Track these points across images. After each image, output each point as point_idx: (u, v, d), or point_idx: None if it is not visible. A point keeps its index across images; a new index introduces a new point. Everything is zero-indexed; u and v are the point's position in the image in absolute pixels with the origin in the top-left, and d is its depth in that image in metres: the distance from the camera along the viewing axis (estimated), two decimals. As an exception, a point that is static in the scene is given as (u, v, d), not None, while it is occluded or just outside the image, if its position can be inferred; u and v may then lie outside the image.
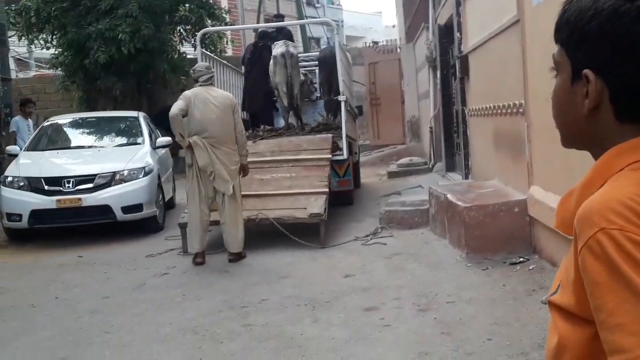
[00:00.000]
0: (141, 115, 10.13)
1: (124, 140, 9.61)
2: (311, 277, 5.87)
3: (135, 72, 15.83)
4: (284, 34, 10.36)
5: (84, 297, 5.69)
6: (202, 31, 10.13)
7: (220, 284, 5.82)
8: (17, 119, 11.04)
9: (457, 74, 9.01)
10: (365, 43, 22.19)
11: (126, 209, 8.09)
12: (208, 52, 10.59)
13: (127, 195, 8.13)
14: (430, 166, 12.03)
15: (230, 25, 19.21)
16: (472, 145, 8.66)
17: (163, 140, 9.42)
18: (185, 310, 5.08)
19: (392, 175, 12.33)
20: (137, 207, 8.16)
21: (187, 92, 6.58)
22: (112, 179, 8.15)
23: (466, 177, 8.90)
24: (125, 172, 8.25)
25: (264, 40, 10.52)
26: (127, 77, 15.56)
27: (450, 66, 10.22)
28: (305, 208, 7.13)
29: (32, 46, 18.34)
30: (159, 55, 15.69)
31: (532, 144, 5.76)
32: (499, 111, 6.82)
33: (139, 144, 9.27)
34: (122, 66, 15.21)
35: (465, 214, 5.92)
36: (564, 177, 4.95)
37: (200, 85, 6.51)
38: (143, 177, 8.32)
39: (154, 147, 9.24)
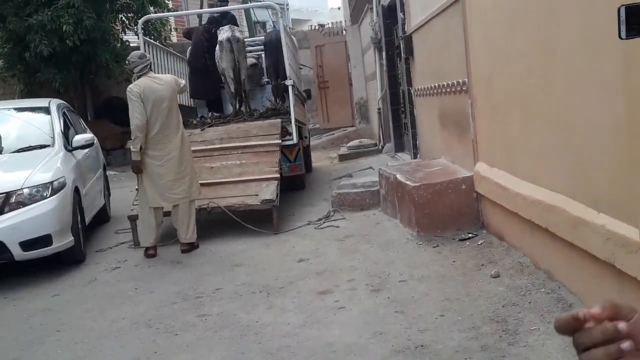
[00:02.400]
0: (54, 105, 7.63)
1: (26, 142, 7.00)
2: (265, 263, 5.87)
3: (78, 63, 15.45)
4: (229, 19, 10.24)
5: (34, 295, 5.56)
6: (143, 18, 9.93)
7: (174, 275, 5.77)
8: None
9: (402, 54, 9.07)
10: (311, 26, 22.12)
11: (27, 244, 5.82)
12: (151, 40, 10.40)
13: (28, 224, 5.82)
14: (380, 147, 12.14)
15: (173, 11, 18.90)
16: (419, 125, 8.76)
17: (82, 138, 7.26)
18: (138, 304, 5.02)
19: (342, 158, 12.40)
20: (44, 240, 5.89)
21: (133, 88, 6.28)
22: (4, 204, 5.84)
23: (415, 157, 9.00)
24: (25, 192, 5.91)
25: (213, 25, 10.39)
26: (69, 68, 15.17)
27: (395, 47, 10.29)
28: (257, 195, 7.11)
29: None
30: (102, 45, 15.33)
31: (476, 121, 5.86)
32: (443, 90, 6.91)
33: (48, 146, 6.89)
34: (64, 57, 14.82)
35: (414, 193, 6.00)
36: (507, 152, 5.07)
37: (140, 76, 6.36)
38: (51, 196, 5.96)
39: (70, 149, 7.03)
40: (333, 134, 16.19)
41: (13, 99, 15.62)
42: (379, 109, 12.21)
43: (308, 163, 11.06)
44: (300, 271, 5.49)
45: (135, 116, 6.19)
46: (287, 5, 37.74)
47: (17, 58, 15.13)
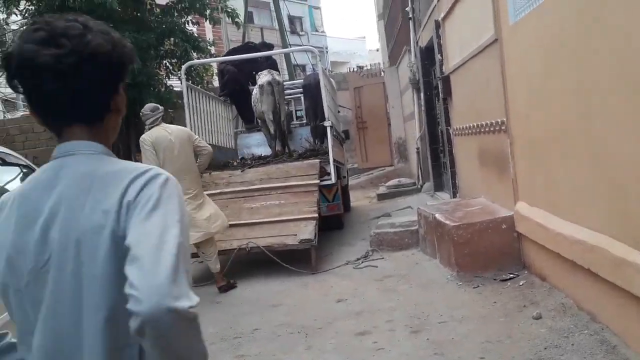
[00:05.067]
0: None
1: None
2: (303, 303, 5.87)
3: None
4: (269, 63, 10.49)
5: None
6: (186, 64, 10.23)
7: (212, 315, 5.80)
8: None
9: (440, 94, 9.11)
10: (350, 68, 22.40)
11: None
12: (193, 85, 10.65)
13: None
14: (419, 186, 12.10)
15: (216, 57, 19.38)
16: (458, 164, 8.74)
17: None
18: (178, 343, 5.05)
19: (381, 197, 12.39)
20: None
21: (146, 138, 6.58)
22: None
23: (454, 196, 8.95)
24: None
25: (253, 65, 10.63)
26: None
27: (433, 87, 10.35)
28: (296, 234, 7.16)
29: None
30: (147, 89, 15.77)
31: (515, 161, 5.83)
32: (482, 129, 6.90)
33: None
34: (109, 101, 15.26)
35: (453, 232, 5.96)
36: (547, 192, 5.01)
37: (151, 127, 6.64)
38: None
39: None
40: (372, 173, 16.23)
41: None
42: (417, 148, 12.22)
43: (346, 202, 11.09)
44: (338, 312, 5.47)
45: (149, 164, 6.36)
46: (326, 48, 38.41)
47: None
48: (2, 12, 15.56)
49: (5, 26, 18.34)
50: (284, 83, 10.89)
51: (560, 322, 4.41)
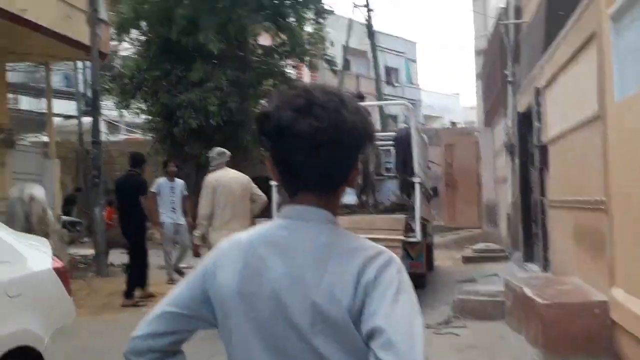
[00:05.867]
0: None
1: None
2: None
3: (220, 141, 16.38)
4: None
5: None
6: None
7: None
8: (161, 180, 10.12)
9: (536, 163, 8.89)
10: (443, 124, 22.30)
11: None
12: None
13: None
14: (508, 254, 11.75)
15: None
16: (551, 237, 8.43)
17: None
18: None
19: (467, 260, 12.09)
20: None
21: (210, 179, 6.97)
22: None
23: (544, 270, 8.63)
24: None
25: None
26: (211, 147, 16.11)
27: (529, 154, 10.10)
28: (376, 290, 7.04)
29: (123, 111, 19.32)
30: (243, 126, 16.24)
31: (613, 243, 5.55)
32: (579, 205, 6.65)
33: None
34: (208, 136, 15.79)
35: (543, 311, 5.71)
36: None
37: (215, 170, 7.04)
38: None
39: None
40: (458, 233, 15.90)
41: (157, 170, 16.82)
42: (508, 214, 11.91)
43: (430, 261, 10.88)
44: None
45: (203, 205, 6.92)
46: (420, 101, 38.44)
47: (166, 133, 16.29)
48: (115, 40, 16.50)
49: (116, 53, 19.48)
50: (382, 134, 10.92)
51: None
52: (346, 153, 1.37)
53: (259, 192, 7.27)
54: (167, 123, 16.01)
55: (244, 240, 1.43)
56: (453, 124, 35.28)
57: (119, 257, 12.26)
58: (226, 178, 7.01)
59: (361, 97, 11.53)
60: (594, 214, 6.16)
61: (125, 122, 23.95)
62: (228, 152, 7.36)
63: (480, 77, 18.11)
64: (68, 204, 14.82)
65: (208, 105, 15.14)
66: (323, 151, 1.33)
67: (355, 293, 1.30)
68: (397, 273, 1.33)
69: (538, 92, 8.72)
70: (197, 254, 7.20)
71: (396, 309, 1.27)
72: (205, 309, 1.43)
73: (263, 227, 1.45)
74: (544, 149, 8.47)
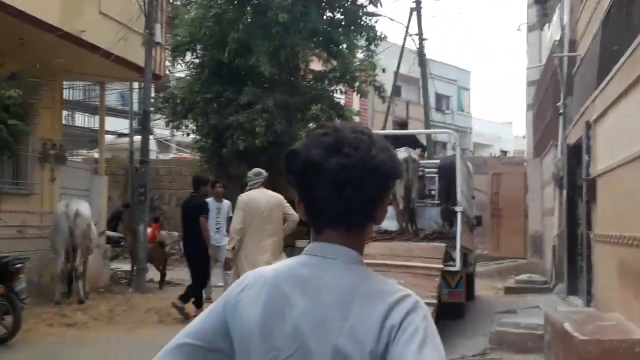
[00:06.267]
0: None
1: None
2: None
3: (265, 162, 16.53)
4: (408, 141, 10.50)
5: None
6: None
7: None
8: (209, 200, 10.03)
9: (584, 196, 8.69)
10: (491, 153, 22.02)
11: None
12: None
13: None
14: (551, 286, 11.46)
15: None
16: (595, 272, 8.20)
17: None
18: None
19: (509, 290, 11.84)
20: None
21: (243, 197, 7.39)
22: None
23: (587, 304, 8.37)
24: None
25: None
26: (257, 166, 16.28)
27: (577, 187, 9.88)
28: (411, 319, 6.95)
29: (174, 130, 19.76)
30: (287, 149, 16.35)
31: (659, 281, 5.36)
32: (625, 241, 6.46)
33: None
34: (253, 157, 15.96)
35: (581, 347, 5.53)
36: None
37: (250, 189, 7.43)
38: None
39: None
40: (502, 263, 15.60)
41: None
42: (554, 246, 11.63)
43: (471, 291, 10.70)
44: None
45: (236, 220, 7.34)
46: (470, 129, 38.08)
47: (214, 153, 16.55)
48: (169, 62, 16.94)
49: (170, 74, 19.95)
50: (421, 161, 10.86)
51: None
52: (373, 191, 1.36)
53: (291, 211, 7.44)
54: (216, 143, 16.26)
55: (268, 275, 1.42)
56: (504, 152, 34.82)
57: (156, 273, 12.50)
58: (258, 197, 7.38)
59: (404, 125, 11.55)
60: (638, 250, 5.98)
61: (176, 141, 24.46)
62: (265, 173, 7.64)
63: (531, 108, 17.88)
64: (114, 220, 15.16)
65: (255, 127, 15.32)
66: (349, 188, 1.33)
67: (379, 337, 1.28)
68: (424, 319, 1.31)
69: (589, 126, 8.56)
70: (228, 268, 7.66)
71: (423, 356, 1.25)
72: (223, 341, 1.41)
73: (289, 262, 1.44)
74: (592, 183, 8.30)
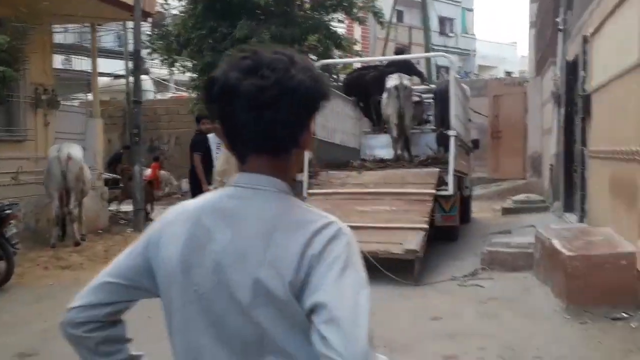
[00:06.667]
0: None
1: None
2: (398, 316, 5.74)
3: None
4: (402, 66, 10.31)
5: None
6: (319, 63, 10.31)
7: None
8: (210, 136, 9.04)
9: (579, 113, 8.57)
10: (494, 75, 21.65)
11: None
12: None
13: None
14: (548, 205, 11.46)
15: (360, 55, 19.48)
16: (589, 188, 8.16)
17: None
18: None
19: (506, 211, 11.86)
20: None
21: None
22: None
23: (581, 220, 8.39)
24: None
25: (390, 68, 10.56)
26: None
27: (575, 104, 9.73)
28: (402, 243, 7.00)
29: (172, 69, 19.58)
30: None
31: (644, 193, 5.33)
32: (616, 156, 6.40)
33: None
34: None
35: (567, 262, 5.57)
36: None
37: None
38: None
39: None
40: (501, 184, 15.58)
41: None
42: (551, 165, 11.56)
43: (466, 214, 10.72)
44: (431, 330, 5.29)
45: (219, 162, 7.49)
46: (474, 51, 37.39)
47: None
48: None
49: (166, 12, 19.60)
50: (420, 87, 10.71)
51: (669, 378, 3.98)
52: (292, 113, 1.31)
53: None
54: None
55: (191, 209, 1.39)
56: (508, 73, 34.30)
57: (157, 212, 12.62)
58: None
59: (402, 51, 11.31)
60: (628, 164, 5.92)
61: (174, 80, 24.24)
62: None
63: (534, 26, 17.42)
64: (114, 162, 15.21)
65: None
66: (266, 110, 1.28)
67: (299, 267, 1.25)
68: (346, 246, 1.28)
69: (585, 40, 8.34)
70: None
71: (341, 284, 1.23)
72: (146, 279, 1.40)
73: (213, 195, 1.41)
74: (587, 99, 8.16)
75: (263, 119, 1.29)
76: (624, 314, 5.20)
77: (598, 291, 5.42)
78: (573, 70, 9.85)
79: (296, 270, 1.25)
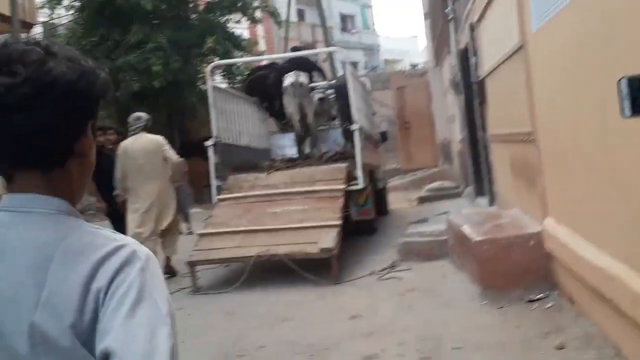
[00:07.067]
0: None
1: None
2: (316, 318, 5.60)
3: (165, 104, 15.96)
4: (302, 64, 10.18)
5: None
6: (212, 65, 10.06)
7: (222, 327, 5.59)
8: None
9: (476, 98, 8.71)
10: (399, 68, 21.98)
11: None
12: (220, 86, 10.36)
13: None
14: (461, 191, 11.66)
15: (262, 54, 19.31)
16: (495, 172, 8.31)
17: None
18: None
19: (421, 200, 12.00)
20: None
21: (121, 146, 7.49)
22: None
23: (491, 204, 8.53)
24: None
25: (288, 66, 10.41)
26: (157, 109, 15.71)
27: (472, 90, 9.90)
28: (317, 242, 6.86)
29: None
30: (188, 87, 15.81)
31: (543, 174, 5.40)
32: (512, 138, 6.50)
33: None
34: (153, 99, 15.37)
35: (476, 248, 5.58)
36: (572, 210, 4.60)
37: (132, 135, 7.52)
38: None
39: None
40: (415, 174, 15.80)
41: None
42: (459, 150, 11.78)
43: (383, 206, 10.74)
44: (349, 330, 5.16)
45: (117, 170, 7.42)
46: (378, 46, 37.98)
47: (110, 98, 15.81)
48: (47, 8, 15.83)
49: (53, 21, 18.69)
50: (323, 83, 10.60)
51: (584, 354, 4.01)
52: (55, 115, 1.06)
53: (171, 154, 7.49)
54: (110, 88, 15.51)
55: None
56: (413, 65, 34.99)
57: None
58: (136, 144, 7.43)
59: (299, 49, 11.18)
60: (524, 145, 6.01)
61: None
62: (145, 117, 7.58)
63: (428, 17, 17.76)
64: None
65: (151, 66, 14.66)
66: (19, 114, 1.04)
67: (82, 306, 1.02)
68: (140, 273, 1.05)
69: (472, 28, 8.49)
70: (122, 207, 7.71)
71: (132, 324, 1.00)
72: None
73: None
74: (481, 84, 8.29)
75: (14, 124, 1.04)
76: (540, 295, 5.23)
77: (511, 274, 5.44)
78: (466, 58, 10.03)
79: (79, 310, 1.02)
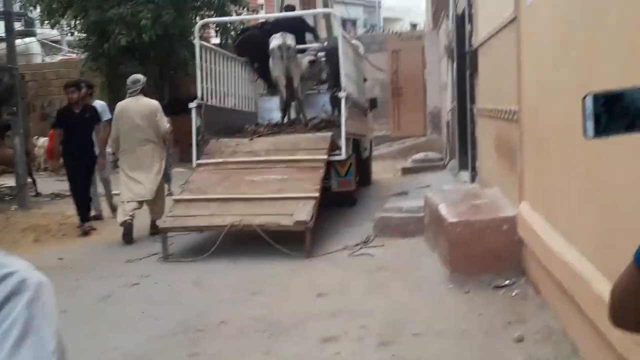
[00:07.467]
0: None
1: None
2: (284, 294, 5.55)
3: (157, 58, 15.66)
4: (294, 24, 9.91)
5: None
6: (200, 23, 9.76)
7: (187, 299, 5.54)
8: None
9: (468, 68, 8.50)
10: (399, 27, 21.57)
11: None
12: (207, 44, 10.09)
13: None
14: (445, 163, 11.53)
15: (254, 11, 18.88)
16: (479, 147, 8.16)
17: None
18: (138, 332, 4.81)
19: (405, 171, 11.86)
20: None
21: (117, 107, 7.99)
22: None
23: (473, 180, 8.42)
24: None
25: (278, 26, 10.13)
26: (148, 63, 15.41)
27: (465, 59, 9.67)
28: (292, 215, 6.77)
29: (61, 29, 18.39)
30: (181, 41, 15.47)
31: (523, 155, 5.28)
32: (499, 115, 6.33)
33: None
34: (144, 52, 15.08)
35: (450, 229, 5.49)
36: (546, 197, 4.50)
37: (130, 97, 7.93)
38: None
39: None
40: (404, 142, 15.61)
41: (96, 91, 16.10)
42: (447, 121, 11.61)
43: (366, 177, 10.62)
44: (315, 309, 5.11)
45: (112, 130, 8.00)
46: (380, 3, 37.21)
47: (100, 51, 15.52)
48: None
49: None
50: (315, 45, 10.36)
51: (542, 349, 3.96)
52: None
53: (162, 122, 7.92)
54: (99, 40, 15.21)
55: None
56: (414, 26, 34.34)
57: (46, 187, 11.94)
58: (131, 105, 7.86)
59: (292, 8, 10.90)
60: (509, 124, 5.85)
61: (67, 41, 22.83)
62: (142, 79, 7.99)
63: (431, -24, 17.32)
64: (3, 129, 14.18)
65: (141, 19, 14.32)
66: None
67: None
68: (28, 305, 0.97)
69: (471, -9, 8.23)
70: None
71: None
72: None
73: None
74: (474, 54, 8.05)
75: None
76: (507, 281, 5.17)
77: (481, 259, 5.37)
78: (463, 24, 9.76)
79: None
